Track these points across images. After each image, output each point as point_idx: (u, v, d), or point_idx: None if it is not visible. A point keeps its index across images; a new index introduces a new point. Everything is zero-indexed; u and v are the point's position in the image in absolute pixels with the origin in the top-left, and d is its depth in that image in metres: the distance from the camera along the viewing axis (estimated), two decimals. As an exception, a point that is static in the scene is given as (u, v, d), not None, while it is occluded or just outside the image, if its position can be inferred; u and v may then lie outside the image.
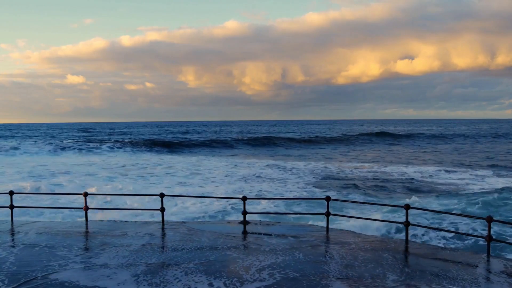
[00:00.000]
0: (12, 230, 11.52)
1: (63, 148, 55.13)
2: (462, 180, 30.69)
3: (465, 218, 16.96)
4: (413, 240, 10.93)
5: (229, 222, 12.57)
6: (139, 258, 8.82)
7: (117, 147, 57.01)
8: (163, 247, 9.74)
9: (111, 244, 9.88)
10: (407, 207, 10.25)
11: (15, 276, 7.69)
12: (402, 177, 32.16)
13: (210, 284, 7.28)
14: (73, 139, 69.86)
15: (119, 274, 7.82)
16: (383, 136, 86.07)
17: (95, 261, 8.59)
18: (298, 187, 27.09)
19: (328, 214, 11.51)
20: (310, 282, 7.40)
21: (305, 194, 24.82)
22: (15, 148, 54.52)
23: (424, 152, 57.45)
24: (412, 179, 31.18)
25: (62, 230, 11.39)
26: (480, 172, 34.52)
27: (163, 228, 11.58)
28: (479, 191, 25.49)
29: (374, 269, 8.08)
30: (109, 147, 56.87)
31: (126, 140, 65.85)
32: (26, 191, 23.37)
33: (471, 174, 33.40)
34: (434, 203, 21.71)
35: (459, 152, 56.74)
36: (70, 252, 9.23)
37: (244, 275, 7.72)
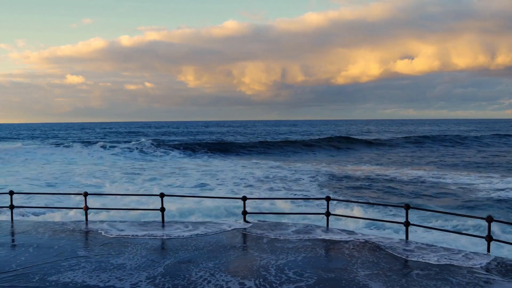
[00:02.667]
0: (14, 230, 11.51)
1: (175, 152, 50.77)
2: None
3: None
4: (413, 239, 10.92)
5: (229, 223, 12.56)
6: (156, 258, 8.79)
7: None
8: (173, 247, 9.74)
9: (123, 244, 9.88)
10: (407, 207, 10.26)
11: (25, 277, 7.67)
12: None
13: (241, 284, 7.28)
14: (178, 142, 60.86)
15: (136, 275, 7.75)
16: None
17: (113, 261, 8.57)
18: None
19: (328, 214, 11.52)
20: (346, 280, 7.45)
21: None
22: (152, 150, 50.66)
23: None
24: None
25: (63, 230, 11.37)
26: None
27: (163, 226, 11.58)
28: None
29: (393, 266, 8.25)
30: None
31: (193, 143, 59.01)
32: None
33: None
34: None
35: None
36: (77, 252, 9.24)
37: (267, 275, 7.73)
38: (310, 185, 26.93)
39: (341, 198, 22.61)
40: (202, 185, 26.77)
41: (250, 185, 26.83)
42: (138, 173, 32.57)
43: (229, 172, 33.33)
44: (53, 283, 7.36)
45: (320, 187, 26.10)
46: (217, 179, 29.38)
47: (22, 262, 8.52)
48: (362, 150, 57.69)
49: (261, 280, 7.46)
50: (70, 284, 7.27)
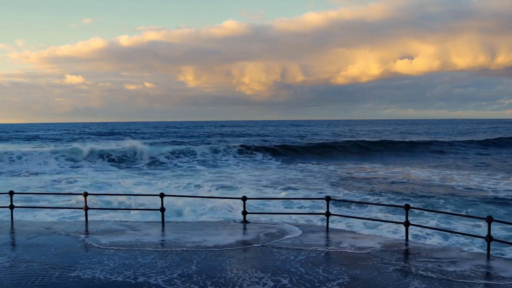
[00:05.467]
0: (14, 230, 11.51)
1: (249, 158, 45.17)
2: None
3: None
4: (413, 240, 10.93)
5: (229, 222, 12.57)
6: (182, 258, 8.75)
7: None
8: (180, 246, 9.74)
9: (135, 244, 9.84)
10: (407, 207, 10.26)
11: (48, 277, 7.66)
12: None
13: (277, 281, 7.32)
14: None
15: (168, 273, 7.76)
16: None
17: (138, 262, 8.52)
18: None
19: (328, 214, 11.51)
20: (386, 279, 7.48)
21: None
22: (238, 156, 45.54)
23: None
24: None
25: (66, 230, 11.35)
26: None
27: (163, 227, 11.58)
28: None
29: (408, 265, 8.29)
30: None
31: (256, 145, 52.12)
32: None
33: None
34: None
35: None
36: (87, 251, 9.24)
37: (298, 272, 7.80)
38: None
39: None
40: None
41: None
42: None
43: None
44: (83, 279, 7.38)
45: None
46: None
47: (44, 261, 8.47)
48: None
49: (296, 277, 7.52)
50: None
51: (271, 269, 8.01)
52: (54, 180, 30.36)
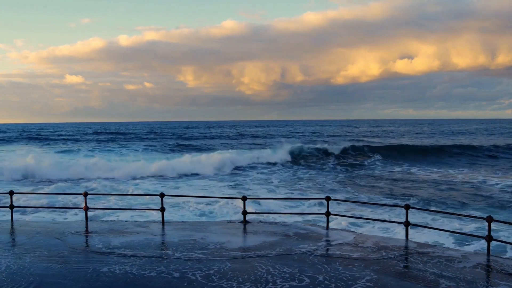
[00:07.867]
0: (14, 230, 11.51)
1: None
2: None
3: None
4: (413, 239, 10.93)
5: (229, 222, 12.57)
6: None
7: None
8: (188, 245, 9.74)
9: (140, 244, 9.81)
10: (407, 207, 10.26)
11: (81, 273, 7.69)
12: None
13: (314, 277, 7.43)
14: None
15: (205, 269, 7.83)
16: None
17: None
18: None
19: (328, 214, 11.52)
20: (413, 277, 7.57)
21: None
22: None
23: None
24: None
25: (70, 229, 11.36)
26: None
27: (163, 227, 11.58)
28: None
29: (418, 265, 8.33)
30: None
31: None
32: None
33: None
34: None
35: None
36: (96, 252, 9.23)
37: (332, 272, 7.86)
38: None
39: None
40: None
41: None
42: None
43: None
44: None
45: None
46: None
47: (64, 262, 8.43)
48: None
49: (329, 277, 7.59)
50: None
51: (296, 266, 8.12)
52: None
